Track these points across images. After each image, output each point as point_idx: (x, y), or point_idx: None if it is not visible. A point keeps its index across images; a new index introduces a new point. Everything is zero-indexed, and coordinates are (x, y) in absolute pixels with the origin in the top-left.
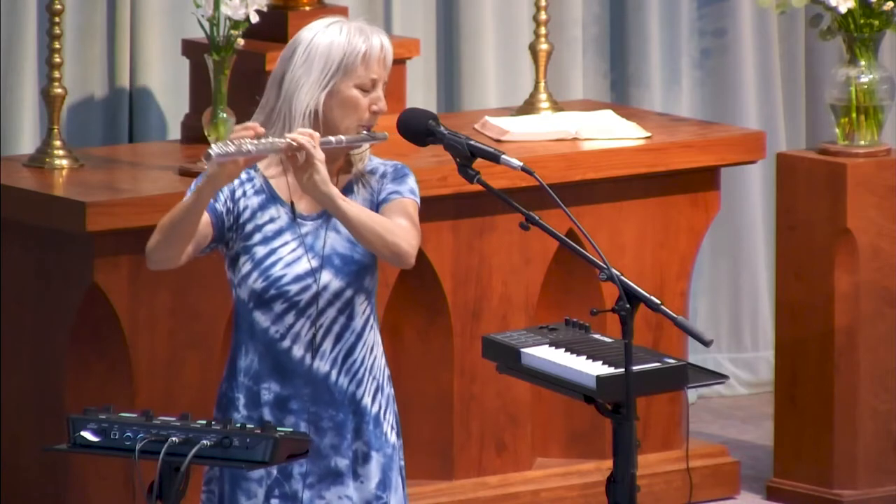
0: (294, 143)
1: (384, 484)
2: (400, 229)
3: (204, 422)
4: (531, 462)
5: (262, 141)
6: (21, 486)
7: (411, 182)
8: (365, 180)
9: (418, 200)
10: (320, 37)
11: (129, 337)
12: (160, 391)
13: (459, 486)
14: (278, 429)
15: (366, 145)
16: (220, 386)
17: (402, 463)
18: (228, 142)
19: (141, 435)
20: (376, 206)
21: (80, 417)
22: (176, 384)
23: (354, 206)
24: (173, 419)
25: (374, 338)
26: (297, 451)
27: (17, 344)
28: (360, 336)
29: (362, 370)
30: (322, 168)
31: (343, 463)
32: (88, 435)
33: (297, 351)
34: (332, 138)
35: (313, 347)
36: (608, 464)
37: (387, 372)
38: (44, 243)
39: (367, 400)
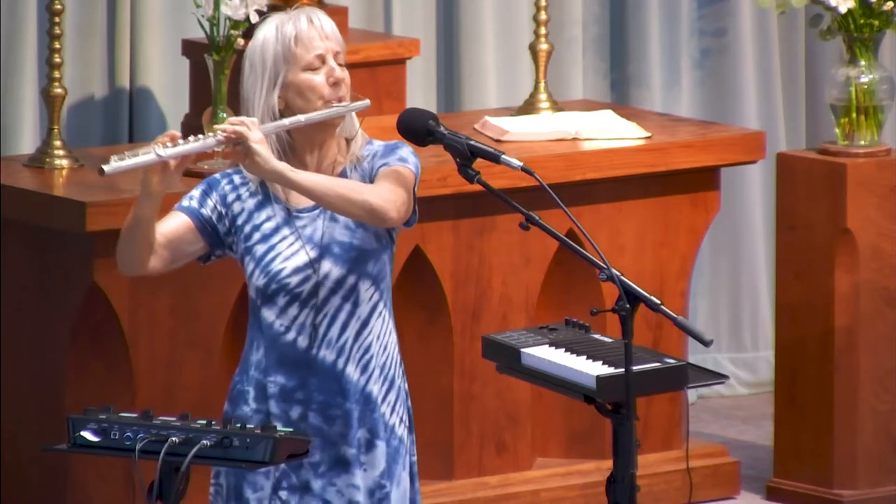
0: (224, 136)
1: (388, 473)
2: (368, 187)
3: (204, 422)
4: (531, 462)
5: (186, 142)
6: (21, 486)
7: (402, 152)
8: (358, 164)
9: (411, 167)
10: (254, 42)
11: (129, 337)
12: (160, 391)
13: (459, 486)
14: (278, 429)
15: (354, 123)
16: (233, 379)
17: (414, 458)
18: (125, 154)
19: (141, 435)
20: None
21: (80, 417)
22: (176, 384)
23: (310, 175)
24: (173, 419)
25: (381, 325)
26: (297, 452)
27: (17, 344)
28: (365, 323)
29: (368, 357)
30: (260, 147)
31: (350, 452)
32: (88, 435)
33: (302, 342)
34: (300, 117)
35: (316, 336)
36: (608, 464)
37: (399, 365)
38: (44, 243)
39: (373, 387)
